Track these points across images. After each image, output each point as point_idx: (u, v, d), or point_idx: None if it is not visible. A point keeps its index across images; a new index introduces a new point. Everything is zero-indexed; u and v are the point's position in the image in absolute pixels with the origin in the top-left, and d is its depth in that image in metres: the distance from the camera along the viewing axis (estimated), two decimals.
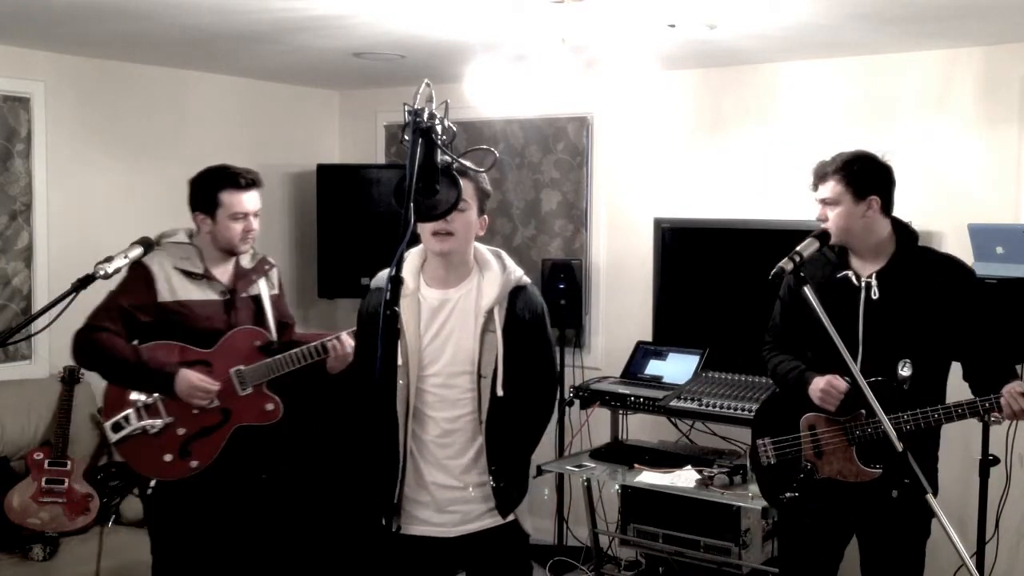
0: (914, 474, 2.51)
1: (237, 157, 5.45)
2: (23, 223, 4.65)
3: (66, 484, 4.19)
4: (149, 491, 3.27)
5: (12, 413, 4.38)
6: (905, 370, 2.88)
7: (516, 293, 2.74)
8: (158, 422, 3.24)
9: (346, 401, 3.38)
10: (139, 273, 3.22)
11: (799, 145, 4.57)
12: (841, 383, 2.91)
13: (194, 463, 3.25)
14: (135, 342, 3.25)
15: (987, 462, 3.80)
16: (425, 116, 2.04)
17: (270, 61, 4.90)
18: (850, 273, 2.97)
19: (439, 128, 2.08)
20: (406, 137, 2.04)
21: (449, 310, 2.70)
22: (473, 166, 2.56)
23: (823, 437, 3.00)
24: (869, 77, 4.47)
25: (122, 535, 4.19)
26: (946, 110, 4.30)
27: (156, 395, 3.25)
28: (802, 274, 2.77)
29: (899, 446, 2.54)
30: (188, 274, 3.28)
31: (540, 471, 4.33)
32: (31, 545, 3.92)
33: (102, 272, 2.87)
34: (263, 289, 3.45)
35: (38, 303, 4.60)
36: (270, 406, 3.33)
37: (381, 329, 1.93)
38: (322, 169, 5.58)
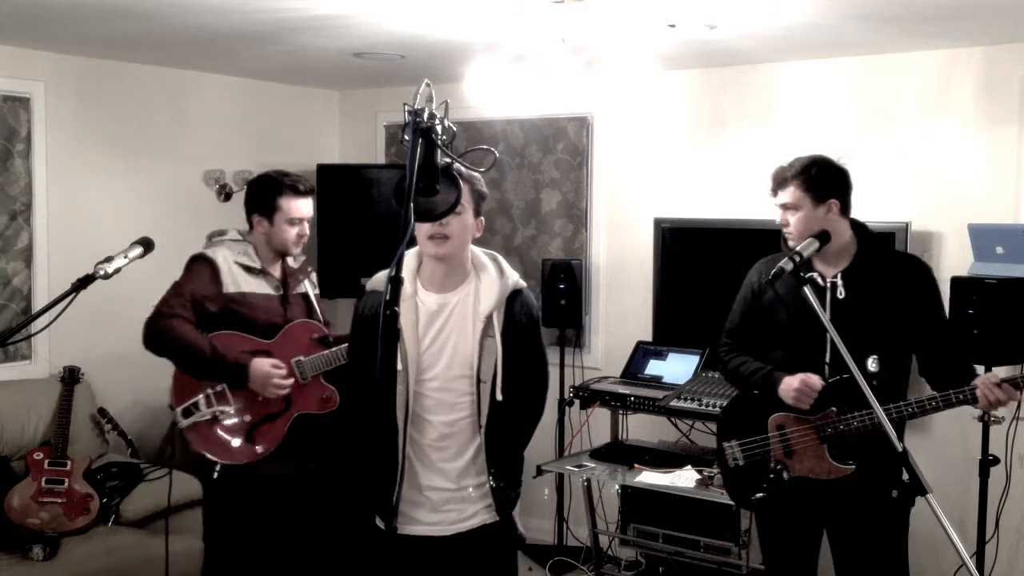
0: (913, 473, 2.51)
1: (237, 157, 5.51)
2: (23, 223, 4.65)
3: (66, 484, 4.19)
4: (215, 475, 3.36)
5: (12, 413, 4.38)
6: (873, 366, 2.92)
7: (513, 297, 2.74)
8: (228, 408, 3.38)
9: (345, 403, 3.47)
10: (204, 265, 3.39)
11: (799, 145, 4.50)
12: (816, 381, 2.94)
13: (260, 448, 3.39)
14: None
15: (987, 462, 3.81)
16: (425, 116, 2.04)
17: (270, 61, 4.90)
18: (815, 274, 3.00)
19: (439, 128, 2.07)
20: (406, 137, 2.04)
21: (447, 314, 2.69)
22: (471, 167, 2.57)
23: (792, 436, 3.02)
24: (869, 77, 4.47)
25: (122, 535, 4.19)
26: (946, 110, 4.30)
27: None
28: (802, 274, 2.79)
29: (899, 446, 2.54)
30: (246, 268, 3.45)
31: (540, 471, 4.33)
32: (31, 545, 3.92)
33: (102, 272, 2.88)
34: (308, 288, 3.64)
35: (38, 303, 4.61)
36: (328, 395, 3.50)
37: (380, 329, 1.93)
38: (322, 169, 5.58)
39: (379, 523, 2.74)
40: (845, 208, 3.03)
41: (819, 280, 2.99)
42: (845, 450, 2.93)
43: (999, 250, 3.81)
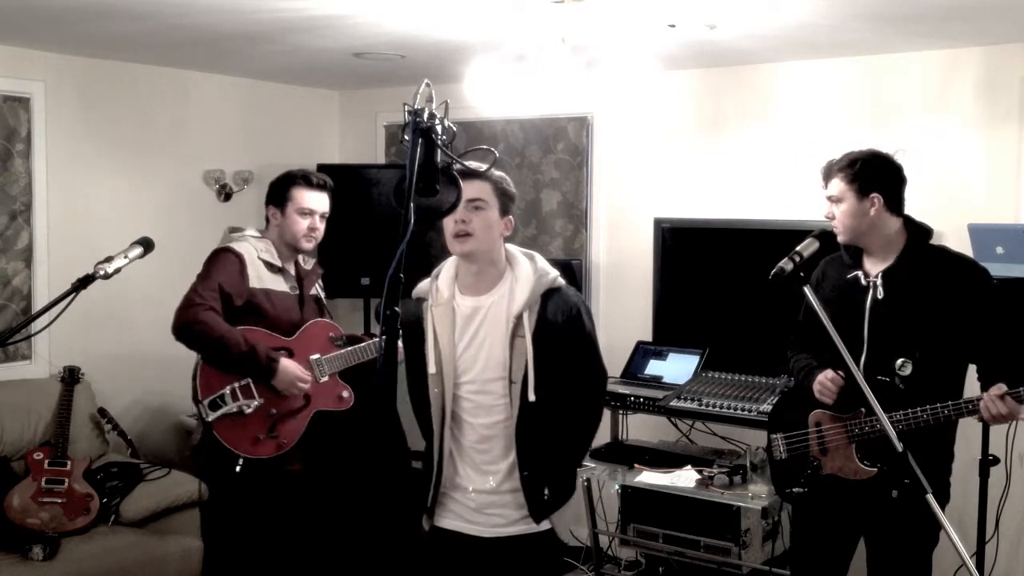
0: (914, 474, 2.51)
1: (237, 157, 5.51)
2: (23, 223, 4.65)
3: (66, 484, 4.18)
4: (238, 469, 3.38)
5: (12, 413, 4.38)
6: (904, 370, 2.89)
7: (549, 296, 2.68)
8: (253, 403, 3.40)
9: (381, 404, 3.52)
10: (232, 257, 3.42)
11: (799, 145, 4.57)
12: (835, 377, 2.95)
13: (282, 442, 3.44)
14: None
15: (987, 462, 3.80)
16: (425, 116, 2.04)
17: (270, 61, 4.90)
18: (859, 273, 3.00)
19: (439, 128, 2.07)
20: (406, 137, 2.04)
21: (482, 317, 2.67)
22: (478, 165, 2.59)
23: (827, 434, 3.03)
24: (869, 77, 4.47)
25: (122, 535, 4.19)
26: (946, 110, 4.30)
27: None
28: (802, 274, 2.78)
29: (899, 446, 2.54)
30: (268, 265, 3.49)
31: None
32: (31, 545, 3.92)
33: (102, 272, 2.89)
34: (319, 291, 3.72)
35: (38, 303, 4.61)
36: (345, 394, 3.57)
37: (380, 330, 1.93)
38: (322, 169, 5.53)
39: (424, 524, 2.76)
40: (894, 204, 2.97)
41: (861, 280, 2.99)
42: (872, 452, 2.92)
43: (999, 250, 3.80)
